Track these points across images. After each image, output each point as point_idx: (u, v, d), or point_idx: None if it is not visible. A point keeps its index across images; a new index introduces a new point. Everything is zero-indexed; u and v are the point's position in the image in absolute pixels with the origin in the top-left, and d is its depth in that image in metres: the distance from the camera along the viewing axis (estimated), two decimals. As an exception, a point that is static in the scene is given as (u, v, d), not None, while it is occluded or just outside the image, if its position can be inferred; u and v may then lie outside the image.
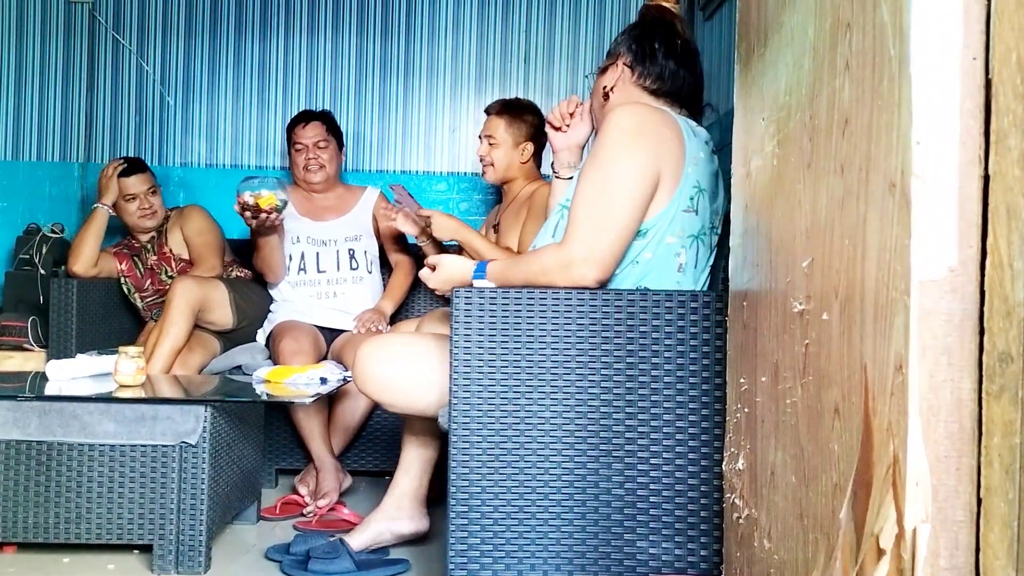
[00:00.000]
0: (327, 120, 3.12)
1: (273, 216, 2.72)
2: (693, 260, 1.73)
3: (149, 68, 3.59)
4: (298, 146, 3.07)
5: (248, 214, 2.71)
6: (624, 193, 1.62)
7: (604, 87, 1.85)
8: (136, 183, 3.11)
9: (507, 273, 1.71)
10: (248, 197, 2.68)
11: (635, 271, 1.70)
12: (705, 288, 1.78)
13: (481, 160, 2.85)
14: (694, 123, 1.79)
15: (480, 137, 2.88)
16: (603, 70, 1.88)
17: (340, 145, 3.17)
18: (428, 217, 2.65)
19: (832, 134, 0.97)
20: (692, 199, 1.69)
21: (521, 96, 3.56)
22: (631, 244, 1.67)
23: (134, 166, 3.14)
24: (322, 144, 3.07)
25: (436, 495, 2.60)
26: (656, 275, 1.71)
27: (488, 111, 2.86)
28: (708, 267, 1.79)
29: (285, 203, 2.74)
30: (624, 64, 1.82)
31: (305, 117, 3.11)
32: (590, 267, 1.60)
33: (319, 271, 3.06)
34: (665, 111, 1.73)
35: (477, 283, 1.74)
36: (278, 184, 2.75)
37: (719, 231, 1.80)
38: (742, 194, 1.35)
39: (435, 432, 2.06)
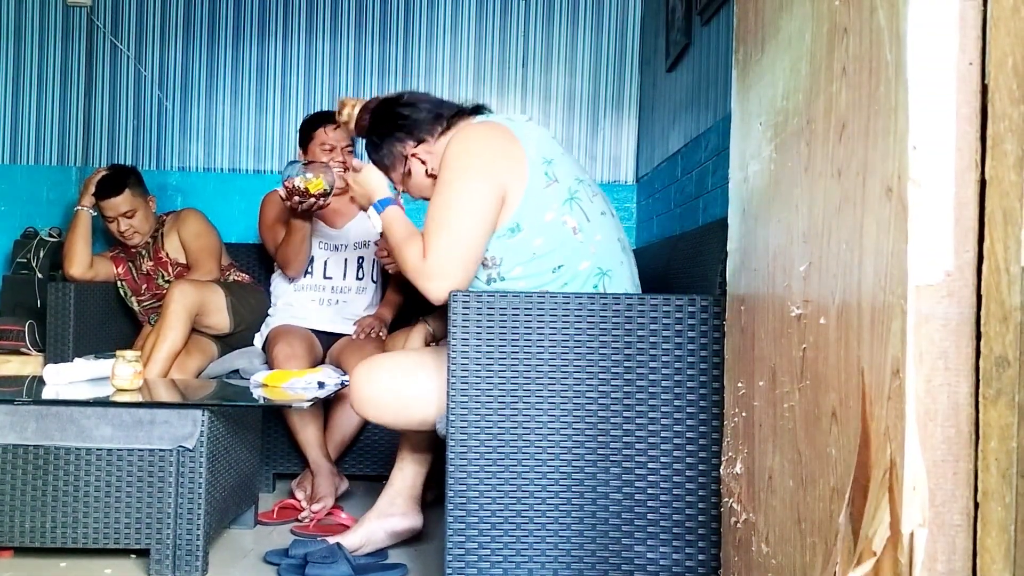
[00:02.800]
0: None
1: (322, 200, 2.71)
2: (582, 216, 1.82)
3: (147, 72, 3.59)
4: (326, 146, 3.06)
5: (297, 199, 2.70)
6: (468, 214, 1.74)
7: (427, 172, 1.94)
8: (110, 207, 3.06)
9: (393, 233, 1.85)
10: (299, 181, 2.66)
11: (543, 262, 1.78)
12: (622, 233, 1.91)
13: None
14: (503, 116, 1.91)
15: None
16: (405, 175, 1.97)
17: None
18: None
19: (829, 139, 0.97)
20: (547, 174, 1.79)
21: (520, 100, 3.58)
22: (517, 245, 1.77)
23: (111, 186, 3.06)
24: (349, 150, 3.08)
25: (435, 498, 2.60)
26: (560, 250, 1.79)
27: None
28: (606, 211, 1.89)
29: (333, 186, 2.73)
30: (412, 152, 1.94)
31: (334, 119, 3.10)
32: (439, 283, 1.72)
33: (325, 276, 3.05)
34: (487, 120, 1.87)
35: (371, 213, 1.91)
36: (324, 168, 2.75)
37: (589, 179, 1.90)
38: (739, 198, 1.35)
39: (431, 443, 2.07)
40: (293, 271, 2.99)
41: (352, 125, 2.08)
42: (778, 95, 1.16)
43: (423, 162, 1.94)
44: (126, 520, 1.98)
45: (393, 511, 2.10)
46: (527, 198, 1.76)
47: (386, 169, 1.98)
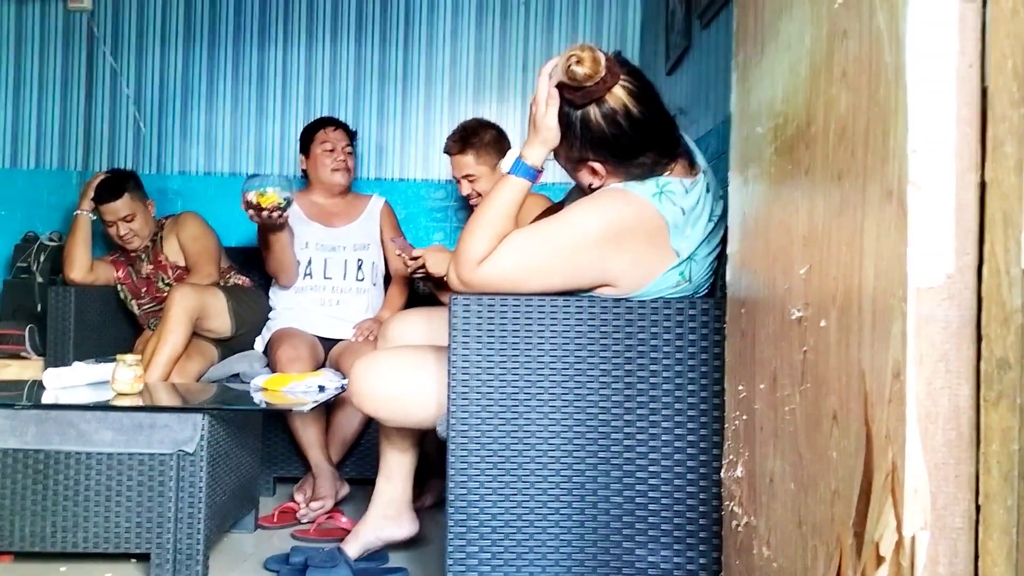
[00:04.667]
0: (348, 130, 3.20)
1: (276, 214, 2.71)
2: None
3: (129, 91, 3.59)
4: (327, 145, 3.10)
5: (251, 212, 2.71)
6: (551, 271, 1.62)
7: (590, 185, 1.71)
8: (109, 211, 3.07)
9: (494, 207, 1.64)
10: (252, 196, 2.68)
11: None
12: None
13: (468, 198, 2.90)
14: (688, 182, 1.66)
15: (455, 179, 2.92)
16: (573, 167, 1.72)
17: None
18: (421, 257, 2.66)
19: (829, 142, 0.97)
20: (682, 274, 1.66)
21: (521, 104, 3.57)
22: None
23: (110, 191, 3.06)
24: (349, 149, 3.14)
25: (435, 502, 2.60)
26: None
27: (450, 151, 2.89)
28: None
29: (289, 201, 2.72)
30: (591, 171, 1.68)
31: (333, 122, 3.17)
32: (468, 288, 1.62)
33: (325, 277, 3.06)
34: (651, 208, 1.62)
35: (508, 157, 1.69)
36: (283, 181, 2.76)
37: (714, 252, 1.73)
38: (739, 202, 1.35)
39: (413, 438, 2.03)
40: (285, 280, 3.02)
41: (591, 77, 1.60)
42: (778, 98, 1.16)
43: (594, 172, 1.68)
44: (126, 524, 1.98)
45: (387, 522, 2.04)
46: (647, 293, 1.65)
47: (561, 134, 1.66)
